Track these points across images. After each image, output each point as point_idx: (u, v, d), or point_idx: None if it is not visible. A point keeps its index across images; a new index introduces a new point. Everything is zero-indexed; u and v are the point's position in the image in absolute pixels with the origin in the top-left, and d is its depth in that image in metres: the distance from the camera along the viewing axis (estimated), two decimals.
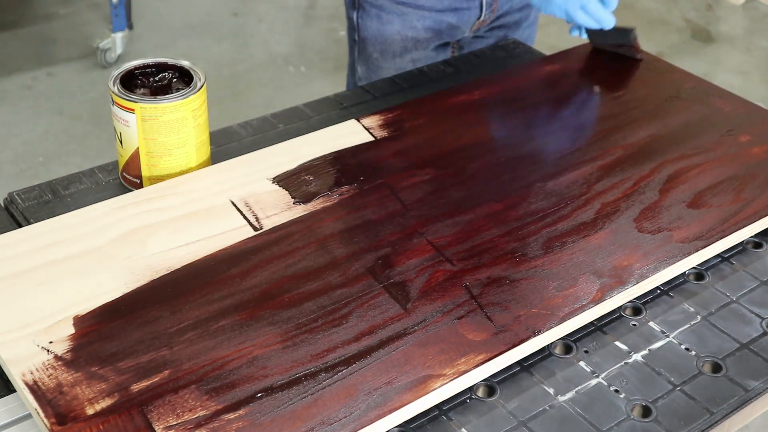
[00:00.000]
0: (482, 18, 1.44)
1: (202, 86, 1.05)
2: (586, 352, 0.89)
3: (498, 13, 1.46)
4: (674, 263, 0.96)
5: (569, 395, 0.85)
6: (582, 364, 0.88)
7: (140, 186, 1.07)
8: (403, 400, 0.79)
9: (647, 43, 3.37)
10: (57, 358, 0.81)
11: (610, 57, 1.34)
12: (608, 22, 1.25)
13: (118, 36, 3.05)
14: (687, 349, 0.90)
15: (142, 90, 1.06)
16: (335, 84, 2.70)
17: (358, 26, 1.44)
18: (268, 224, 0.98)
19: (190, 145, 1.06)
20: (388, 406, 0.78)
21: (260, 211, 1.00)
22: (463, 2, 1.40)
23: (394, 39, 1.42)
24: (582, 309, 0.89)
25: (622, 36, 1.29)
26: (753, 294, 0.97)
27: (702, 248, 0.98)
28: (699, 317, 0.94)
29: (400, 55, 1.43)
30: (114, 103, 1.04)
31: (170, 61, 1.08)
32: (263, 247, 0.95)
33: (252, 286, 0.90)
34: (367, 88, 1.32)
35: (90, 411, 0.76)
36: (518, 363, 0.87)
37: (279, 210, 1.00)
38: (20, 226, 1.03)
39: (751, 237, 1.04)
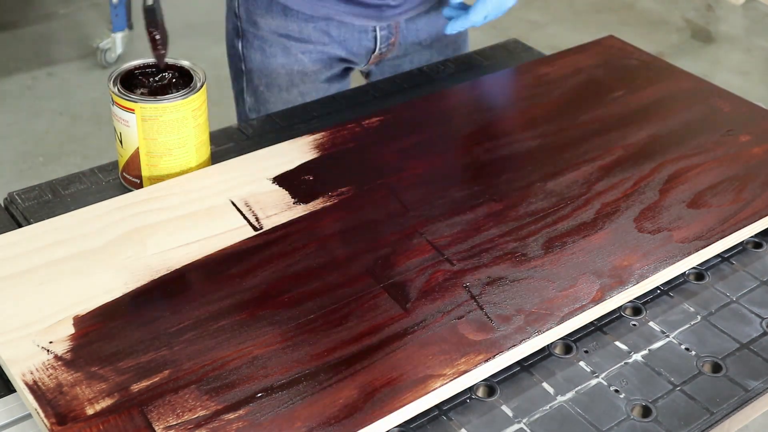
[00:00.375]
0: (378, 51, 1.37)
1: (202, 86, 1.05)
2: (586, 352, 0.89)
3: (403, 48, 1.39)
4: (674, 263, 0.96)
5: (569, 395, 0.85)
6: (582, 364, 0.88)
7: (140, 186, 1.07)
8: (403, 400, 0.79)
9: (647, 44, 3.39)
10: (57, 358, 0.81)
11: (611, 57, 1.35)
12: None
13: (118, 36, 3.06)
14: (687, 349, 0.90)
15: (142, 90, 1.06)
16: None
17: (244, 56, 1.36)
18: (268, 224, 0.98)
19: (190, 145, 1.06)
20: (388, 406, 0.78)
21: (260, 211, 1.00)
22: (353, 34, 1.33)
23: (279, 73, 1.34)
24: (582, 309, 0.89)
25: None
26: (753, 294, 0.97)
27: (702, 248, 0.98)
28: (699, 317, 0.94)
29: (286, 89, 1.35)
30: (114, 103, 1.04)
31: (170, 61, 1.08)
32: (263, 247, 0.95)
33: (252, 286, 0.90)
34: (367, 88, 1.32)
35: (90, 411, 0.76)
36: (518, 363, 0.87)
37: (279, 210, 1.00)
38: (20, 226, 1.03)
39: (751, 237, 1.04)
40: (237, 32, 1.36)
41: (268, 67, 1.34)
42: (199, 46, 3.13)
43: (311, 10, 1.27)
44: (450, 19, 1.28)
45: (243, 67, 1.38)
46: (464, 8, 1.26)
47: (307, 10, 1.27)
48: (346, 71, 1.40)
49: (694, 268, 1.00)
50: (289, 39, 1.31)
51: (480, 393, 0.85)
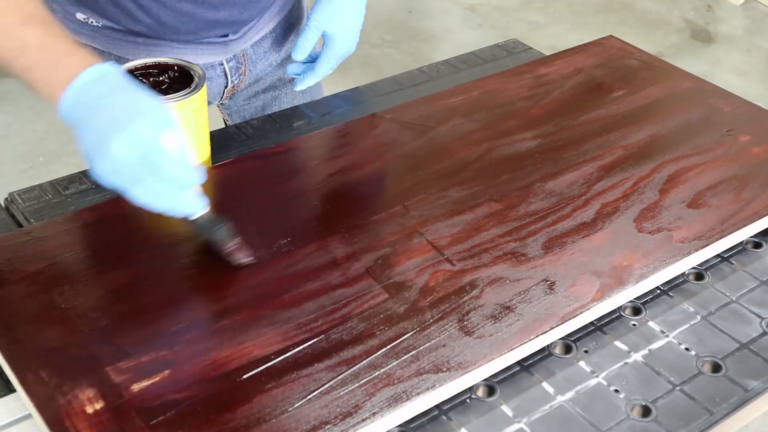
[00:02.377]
0: (230, 85, 1.29)
1: (202, 86, 1.05)
2: (586, 352, 0.89)
3: (254, 75, 1.31)
4: (674, 263, 0.96)
5: (569, 395, 0.85)
6: (582, 364, 0.88)
7: None
8: (403, 400, 0.79)
9: (647, 44, 3.38)
10: (57, 358, 0.81)
11: (611, 57, 1.35)
12: (184, 206, 0.88)
13: None
14: (687, 349, 0.90)
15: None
16: (335, 84, 2.70)
17: None
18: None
19: (189, 145, 1.06)
20: (388, 405, 0.78)
21: None
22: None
23: None
24: (582, 309, 0.89)
25: (214, 232, 0.91)
26: (753, 294, 0.97)
27: (702, 248, 0.98)
28: (699, 317, 0.94)
29: None
30: None
31: (170, 61, 1.08)
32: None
33: (252, 286, 0.90)
34: (365, 89, 1.32)
35: (90, 410, 0.76)
36: (518, 363, 0.87)
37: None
38: (20, 226, 1.03)
39: (751, 237, 1.04)
40: None
41: None
42: None
43: (148, 56, 1.16)
44: (296, 75, 1.23)
45: None
46: (310, 61, 1.22)
47: (142, 58, 1.11)
48: None
49: (694, 268, 1.00)
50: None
51: (480, 393, 0.85)
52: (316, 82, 1.23)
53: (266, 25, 1.28)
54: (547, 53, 1.41)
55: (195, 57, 1.21)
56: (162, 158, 0.81)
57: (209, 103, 1.27)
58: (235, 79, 1.29)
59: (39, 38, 0.86)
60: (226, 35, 1.22)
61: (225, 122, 1.39)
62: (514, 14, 3.61)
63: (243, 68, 1.28)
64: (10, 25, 0.87)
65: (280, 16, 1.30)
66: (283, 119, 1.24)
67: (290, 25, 1.33)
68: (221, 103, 1.35)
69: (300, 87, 1.23)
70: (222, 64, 1.26)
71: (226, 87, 1.29)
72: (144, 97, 0.84)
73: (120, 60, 1.18)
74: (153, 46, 1.19)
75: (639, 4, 3.73)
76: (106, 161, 0.81)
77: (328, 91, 1.40)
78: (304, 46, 1.19)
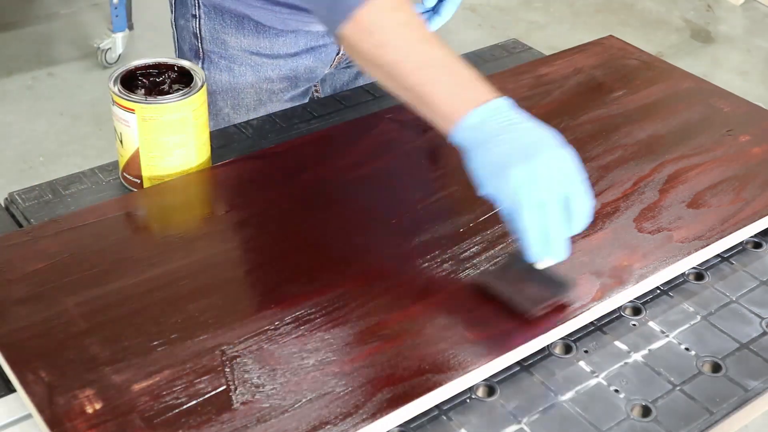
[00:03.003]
0: (341, 53, 1.33)
1: (202, 86, 1.05)
2: (586, 352, 0.89)
3: None
4: (674, 263, 0.96)
5: (569, 395, 0.85)
6: (582, 364, 0.88)
7: (140, 186, 1.07)
8: (403, 400, 0.79)
9: (647, 44, 3.38)
10: (57, 358, 0.81)
11: (611, 57, 1.35)
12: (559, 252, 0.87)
13: (119, 36, 3.06)
14: (687, 349, 0.90)
15: (142, 90, 1.07)
16: None
17: (206, 79, 1.27)
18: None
19: (190, 145, 1.06)
20: (388, 405, 0.78)
21: None
22: (318, 40, 1.29)
23: (247, 92, 1.30)
24: (582, 309, 0.89)
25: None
26: (753, 294, 0.97)
27: (702, 248, 0.98)
28: (699, 317, 0.94)
29: (254, 109, 1.32)
30: (114, 103, 1.04)
31: (170, 61, 1.08)
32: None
33: (250, 287, 0.90)
34: (368, 88, 1.32)
35: (89, 411, 0.76)
36: (518, 363, 0.87)
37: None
38: (20, 226, 1.03)
39: (751, 237, 1.04)
40: (197, 53, 1.31)
41: (236, 87, 1.29)
42: None
43: (282, 25, 1.24)
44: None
45: None
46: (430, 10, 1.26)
47: (278, 25, 1.24)
48: (307, 91, 1.37)
49: (694, 268, 1.00)
50: (260, 56, 1.27)
51: (480, 393, 0.85)
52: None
53: None
54: (547, 53, 1.41)
55: (308, 24, 1.25)
56: (575, 190, 0.84)
57: (320, 74, 1.33)
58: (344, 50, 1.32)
59: (444, 57, 0.90)
60: None
61: (312, 94, 1.42)
62: (514, 14, 3.61)
63: None
64: (415, 38, 0.91)
65: None
66: (283, 119, 1.24)
67: None
68: (325, 74, 1.38)
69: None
70: None
71: (337, 54, 1.33)
72: (557, 137, 0.87)
73: (257, 27, 1.24)
74: (288, 15, 1.22)
75: (639, 4, 3.73)
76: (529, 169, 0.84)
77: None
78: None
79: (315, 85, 1.42)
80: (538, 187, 0.83)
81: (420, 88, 0.89)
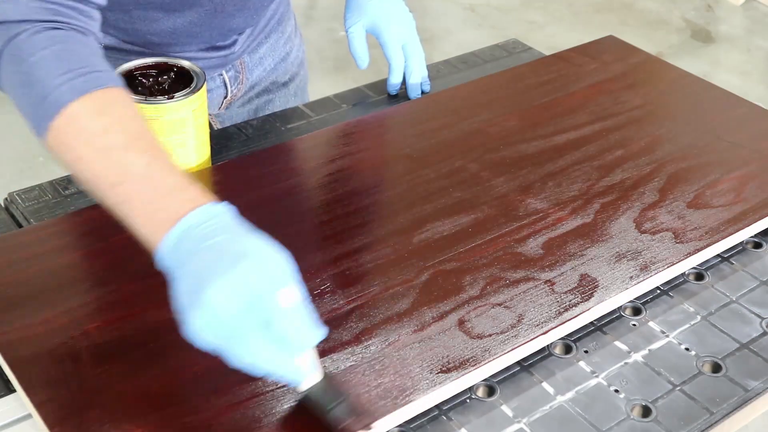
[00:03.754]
0: (229, 96, 1.28)
1: (202, 86, 1.05)
2: (586, 352, 0.89)
3: (250, 83, 1.30)
4: (674, 263, 0.96)
5: (569, 395, 0.85)
6: (582, 364, 0.88)
7: None
8: (403, 400, 0.79)
9: (647, 44, 3.38)
10: (57, 358, 0.81)
11: (611, 57, 1.35)
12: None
13: None
14: (687, 349, 0.90)
15: (142, 90, 1.06)
16: (335, 84, 2.70)
17: None
18: None
19: (190, 145, 1.06)
20: (388, 405, 0.78)
21: None
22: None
23: None
24: (582, 309, 0.89)
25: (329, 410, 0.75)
26: (753, 294, 0.97)
27: (702, 248, 0.98)
28: (699, 317, 0.94)
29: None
30: None
31: (170, 61, 1.08)
32: None
33: None
34: (368, 88, 1.32)
35: (90, 411, 0.76)
36: (518, 363, 0.87)
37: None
38: (20, 226, 1.03)
39: (751, 237, 1.04)
40: None
41: None
42: None
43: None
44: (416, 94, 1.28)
45: None
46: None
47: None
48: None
49: (694, 268, 1.00)
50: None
51: (480, 393, 0.85)
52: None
53: (262, 30, 1.28)
54: (547, 53, 1.41)
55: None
56: (272, 311, 0.68)
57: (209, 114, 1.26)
58: (234, 89, 1.28)
59: (144, 167, 0.75)
60: (233, 44, 1.22)
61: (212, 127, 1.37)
62: (513, 14, 3.61)
63: (241, 77, 1.28)
64: (113, 148, 0.76)
65: (273, 20, 1.30)
66: (283, 119, 1.24)
67: (281, 32, 1.33)
68: (216, 114, 1.34)
69: (417, 96, 1.27)
70: (222, 75, 1.26)
71: (225, 97, 1.29)
72: (255, 239, 0.72)
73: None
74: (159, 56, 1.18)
75: (639, 4, 3.73)
76: (202, 312, 0.68)
77: (328, 91, 1.40)
78: (397, 67, 1.25)
79: (213, 125, 1.36)
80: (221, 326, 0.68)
81: (119, 207, 0.76)
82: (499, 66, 1.39)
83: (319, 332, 0.71)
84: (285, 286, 0.70)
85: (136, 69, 1.08)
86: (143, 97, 1.03)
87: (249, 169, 1.07)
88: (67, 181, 1.10)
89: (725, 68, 3.32)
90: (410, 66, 1.26)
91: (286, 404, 0.78)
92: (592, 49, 1.37)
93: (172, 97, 1.03)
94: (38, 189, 1.09)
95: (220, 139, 1.18)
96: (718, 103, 1.25)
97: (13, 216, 1.05)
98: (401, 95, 1.29)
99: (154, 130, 1.02)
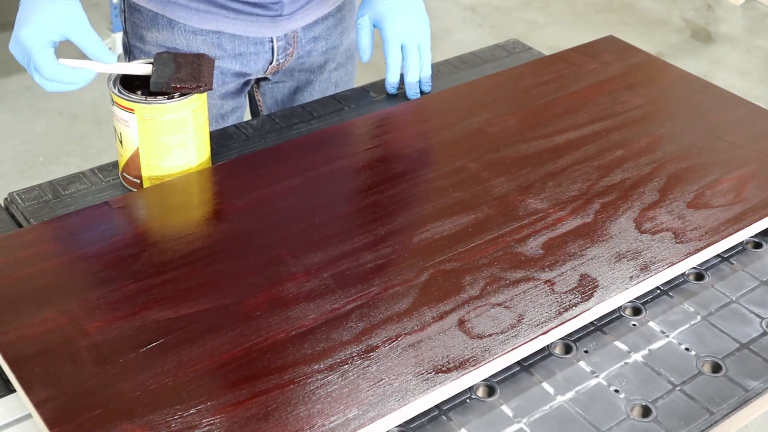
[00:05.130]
0: (275, 63, 1.32)
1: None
2: (586, 352, 0.89)
3: (298, 59, 1.34)
4: (674, 263, 0.96)
5: (569, 395, 0.85)
6: (582, 364, 0.88)
7: (140, 186, 1.07)
8: (403, 400, 0.79)
9: (647, 44, 3.38)
10: (57, 359, 0.81)
11: (612, 57, 1.35)
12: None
13: (118, 36, 3.06)
14: (687, 349, 0.90)
15: (142, 90, 1.06)
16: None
17: None
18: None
19: (190, 145, 1.06)
20: (388, 405, 0.78)
21: None
22: (248, 47, 1.26)
23: None
24: (582, 309, 0.89)
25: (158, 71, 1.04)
26: (753, 294, 0.97)
27: (702, 248, 0.98)
28: (699, 317, 0.94)
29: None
30: (114, 103, 1.04)
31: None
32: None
33: (245, 288, 0.90)
34: (368, 88, 1.32)
35: (90, 411, 0.76)
36: (518, 363, 0.87)
37: None
38: (20, 226, 1.03)
39: (751, 237, 1.04)
40: (126, 49, 1.31)
41: None
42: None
43: (198, 23, 1.21)
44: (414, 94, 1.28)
45: None
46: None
47: (194, 23, 1.21)
48: (244, 85, 1.34)
49: (694, 268, 1.00)
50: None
51: (480, 393, 0.85)
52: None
53: (318, 8, 1.30)
54: (547, 53, 1.41)
55: (245, 28, 1.24)
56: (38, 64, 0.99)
57: (248, 75, 1.31)
58: (281, 58, 1.31)
59: None
60: (277, 3, 1.24)
61: (258, 104, 1.42)
62: (514, 14, 3.61)
63: (291, 50, 1.31)
64: None
65: (332, 4, 1.32)
66: (282, 119, 1.24)
67: (340, 19, 1.36)
68: (257, 82, 1.38)
69: (415, 96, 1.27)
70: (272, 41, 1.28)
71: (270, 63, 1.31)
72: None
73: (171, 23, 1.23)
74: (205, 12, 1.21)
75: (639, 4, 3.73)
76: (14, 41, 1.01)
77: (327, 91, 1.40)
78: (392, 65, 1.24)
79: (258, 100, 1.41)
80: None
81: None
82: (499, 66, 1.39)
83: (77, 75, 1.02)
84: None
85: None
86: (143, 97, 1.03)
87: (249, 169, 1.07)
88: (67, 181, 1.10)
89: (725, 68, 3.32)
90: (406, 65, 1.25)
91: (286, 404, 0.78)
92: (592, 49, 1.37)
93: (172, 97, 1.03)
94: (38, 189, 1.08)
95: (220, 139, 1.19)
96: (718, 103, 1.25)
97: (13, 216, 1.05)
98: (401, 95, 1.29)
99: (153, 130, 1.03)
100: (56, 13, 1.00)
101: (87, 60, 1.03)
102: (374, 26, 1.26)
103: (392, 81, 1.27)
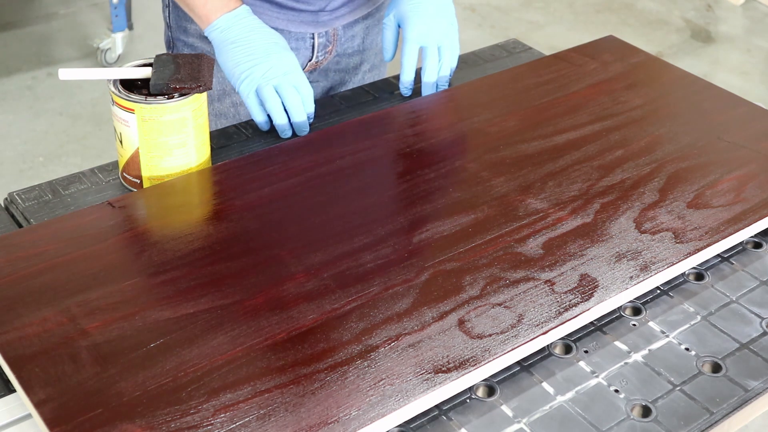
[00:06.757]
0: (314, 60, 1.34)
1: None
2: (586, 352, 0.89)
3: (338, 55, 1.37)
4: (674, 263, 0.96)
5: (569, 395, 0.85)
6: (582, 364, 0.88)
7: (140, 186, 1.07)
8: (403, 401, 0.79)
9: (647, 44, 3.38)
10: (57, 359, 0.81)
11: (612, 57, 1.34)
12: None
13: (118, 36, 3.06)
14: (687, 349, 0.90)
15: (142, 90, 1.06)
16: None
17: None
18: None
19: (190, 145, 1.06)
20: (388, 405, 0.78)
21: None
22: (289, 42, 1.27)
23: None
24: (582, 309, 0.89)
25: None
26: (753, 294, 0.97)
27: (702, 248, 0.98)
28: (699, 317, 0.94)
29: (218, 99, 1.32)
30: (114, 103, 1.04)
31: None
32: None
33: (245, 289, 0.90)
34: (368, 88, 1.32)
35: (90, 411, 0.76)
36: (518, 363, 0.87)
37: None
38: (20, 226, 1.03)
39: (751, 237, 1.04)
40: (169, 43, 1.33)
41: None
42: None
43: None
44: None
45: None
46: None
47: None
48: None
49: (694, 268, 1.00)
50: None
51: (480, 393, 0.85)
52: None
53: (360, 7, 1.31)
54: (547, 53, 1.41)
55: (287, 23, 1.26)
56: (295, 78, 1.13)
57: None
58: (321, 56, 1.33)
59: None
60: (321, 7, 1.26)
61: None
62: (514, 14, 3.61)
63: (330, 47, 1.33)
64: None
65: (372, 5, 1.34)
66: None
67: (378, 20, 1.37)
68: None
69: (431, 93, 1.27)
70: (312, 38, 1.30)
71: (310, 60, 1.33)
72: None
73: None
74: (249, 6, 1.21)
75: (639, 4, 3.73)
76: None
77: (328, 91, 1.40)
78: (406, 65, 1.25)
79: None
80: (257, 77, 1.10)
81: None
82: (499, 66, 1.39)
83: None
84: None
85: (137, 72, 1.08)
86: (143, 97, 1.03)
87: (249, 169, 1.07)
88: (67, 181, 1.10)
89: (725, 68, 3.32)
90: (424, 65, 1.25)
91: (286, 404, 0.78)
92: (592, 49, 1.37)
93: (172, 97, 1.03)
94: (38, 189, 1.08)
95: (220, 139, 1.18)
96: (718, 103, 1.25)
97: (13, 216, 1.05)
98: (398, 95, 1.29)
99: (153, 130, 1.03)
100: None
101: (87, 69, 1.03)
102: (398, 26, 1.26)
103: (405, 80, 1.27)
